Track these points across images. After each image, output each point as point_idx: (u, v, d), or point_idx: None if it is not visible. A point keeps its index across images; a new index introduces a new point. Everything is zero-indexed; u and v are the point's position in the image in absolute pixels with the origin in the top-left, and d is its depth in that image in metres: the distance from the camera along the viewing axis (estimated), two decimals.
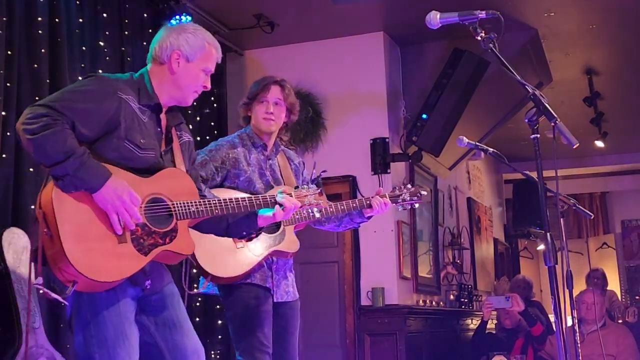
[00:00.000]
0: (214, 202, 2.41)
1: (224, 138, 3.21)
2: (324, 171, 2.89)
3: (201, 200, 2.38)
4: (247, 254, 3.00)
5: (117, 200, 2.16)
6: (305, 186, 2.67)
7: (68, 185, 2.13)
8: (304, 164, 3.38)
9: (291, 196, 2.59)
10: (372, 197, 3.10)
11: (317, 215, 2.89)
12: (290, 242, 3.09)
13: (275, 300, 3.10)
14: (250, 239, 2.87)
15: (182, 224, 2.34)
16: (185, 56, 2.38)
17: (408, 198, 3.16)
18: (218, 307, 5.33)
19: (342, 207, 3.06)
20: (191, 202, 2.35)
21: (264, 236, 3.01)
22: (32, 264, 2.18)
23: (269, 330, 3.05)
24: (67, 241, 2.10)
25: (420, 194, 3.17)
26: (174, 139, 2.45)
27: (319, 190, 2.68)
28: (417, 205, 3.21)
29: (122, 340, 2.24)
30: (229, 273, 2.95)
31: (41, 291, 2.17)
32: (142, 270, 2.26)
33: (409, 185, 3.21)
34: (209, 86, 2.47)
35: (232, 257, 2.96)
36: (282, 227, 3.05)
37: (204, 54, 2.41)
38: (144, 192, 2.27)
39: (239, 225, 2.62)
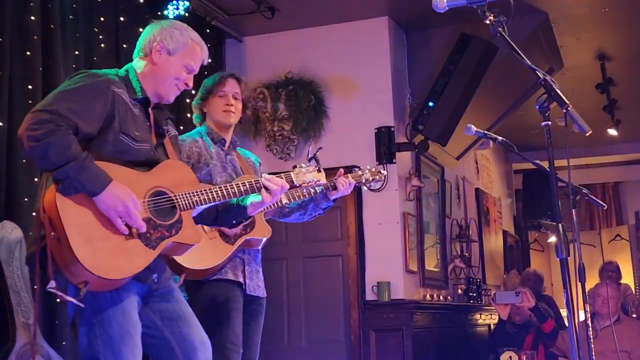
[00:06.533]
0: (215, 189, 2.47)
1: (186, 134, 3.25)
2: (319, 148, 2.92)
3: (202, 190, 2.44)
4: (221, 244, 3.01)
5: (120, 206, 2.21)
6: (303, 165, 2.73)
7: (69, 189, 2.18)
8: (260, 163, 3.44)
9: (290, 177, 2.65)
10: (335, 179, 3.18)
11: (285, 200, 3.04)
12: (261, 229, 3.13)
13: (247, 293, 3.11)
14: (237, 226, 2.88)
15: (187, 214, 2.40)
16: (167, 49, 2.46)
17: (370, 178, 3.26)
18: None
19: (308, 191, 3.15)
20: (193, 192, 2.41)
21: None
22: (39, 268, 2.21)
23: (239, 329, 3.05)
24: (76, 243, 2.15)
25: (381, 173, 3.30)
26: (165, 133, 2.55)
27: (317, 168, 2.74)
28: (378, 186, 3.32)
29: (126, 339, 2.29)
30: (208, 264, 2.96)
31: (58, 295, 2.19)
32: (147, 266, 2.30)
33: (368, 166, 3.32)
34: (190, 85, 2.52)
35: (207, 249, 2.95)
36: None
37: (187, 50, 2.49)
38: (146, 186, 2.33)
39: (229, 213, 2.68)
